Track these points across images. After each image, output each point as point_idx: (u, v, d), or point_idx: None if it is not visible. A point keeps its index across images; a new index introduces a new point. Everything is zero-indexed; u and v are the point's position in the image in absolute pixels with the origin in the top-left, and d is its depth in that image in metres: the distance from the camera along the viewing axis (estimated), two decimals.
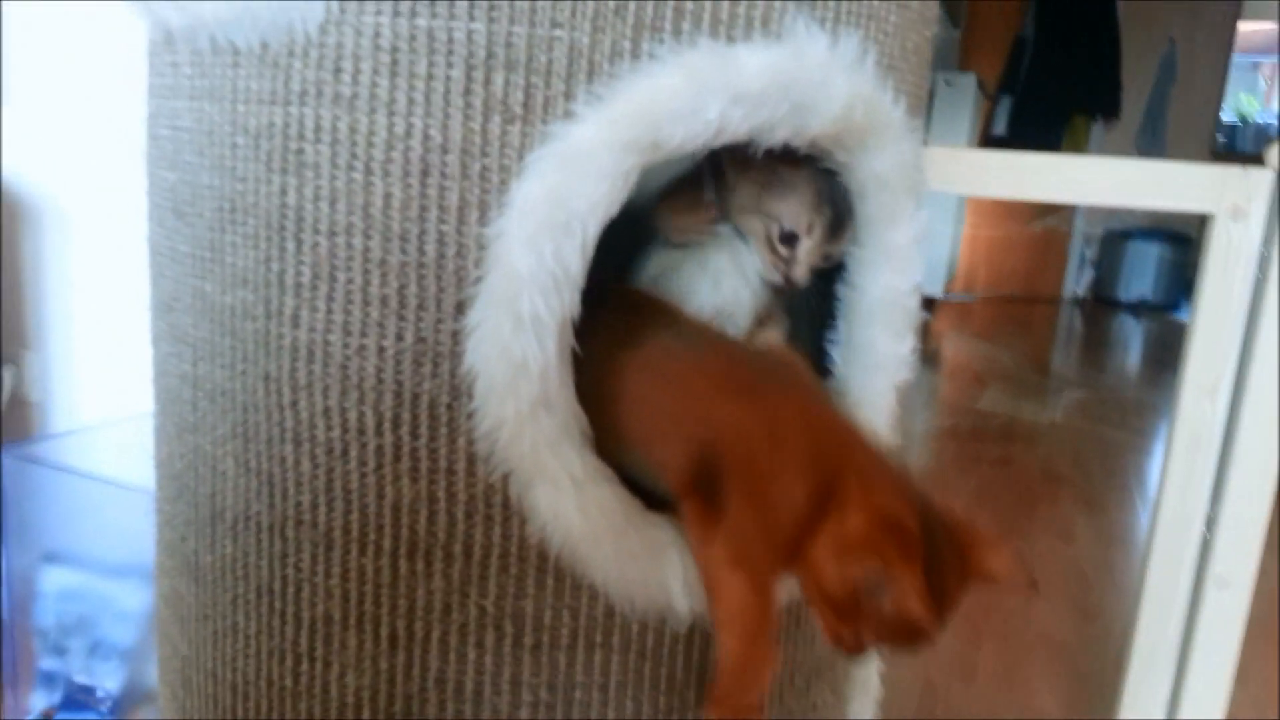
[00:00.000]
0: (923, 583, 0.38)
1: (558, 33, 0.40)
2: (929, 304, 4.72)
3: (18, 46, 1.28)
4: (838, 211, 0.50)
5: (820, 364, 0.54)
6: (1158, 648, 1.19)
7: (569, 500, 0.43)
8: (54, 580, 1.08)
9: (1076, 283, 5.45)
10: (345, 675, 0.45)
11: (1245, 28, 5.47)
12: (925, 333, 4.40)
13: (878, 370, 0.52)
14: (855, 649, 0.40)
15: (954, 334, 4.47)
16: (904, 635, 0.39)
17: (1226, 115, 5.50)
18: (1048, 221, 4.88)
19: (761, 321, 0.53)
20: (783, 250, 0.50)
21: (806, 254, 0.50)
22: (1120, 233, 5.19)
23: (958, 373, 3.86)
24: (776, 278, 0.51)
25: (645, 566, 0.45)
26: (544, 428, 0.42)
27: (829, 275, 0.53)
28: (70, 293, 1.33)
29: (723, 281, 0.51)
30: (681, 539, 0.45)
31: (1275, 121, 5.67)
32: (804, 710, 0.53)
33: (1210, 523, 1.13)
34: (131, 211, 1.35)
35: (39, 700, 1.10)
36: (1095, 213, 5.11)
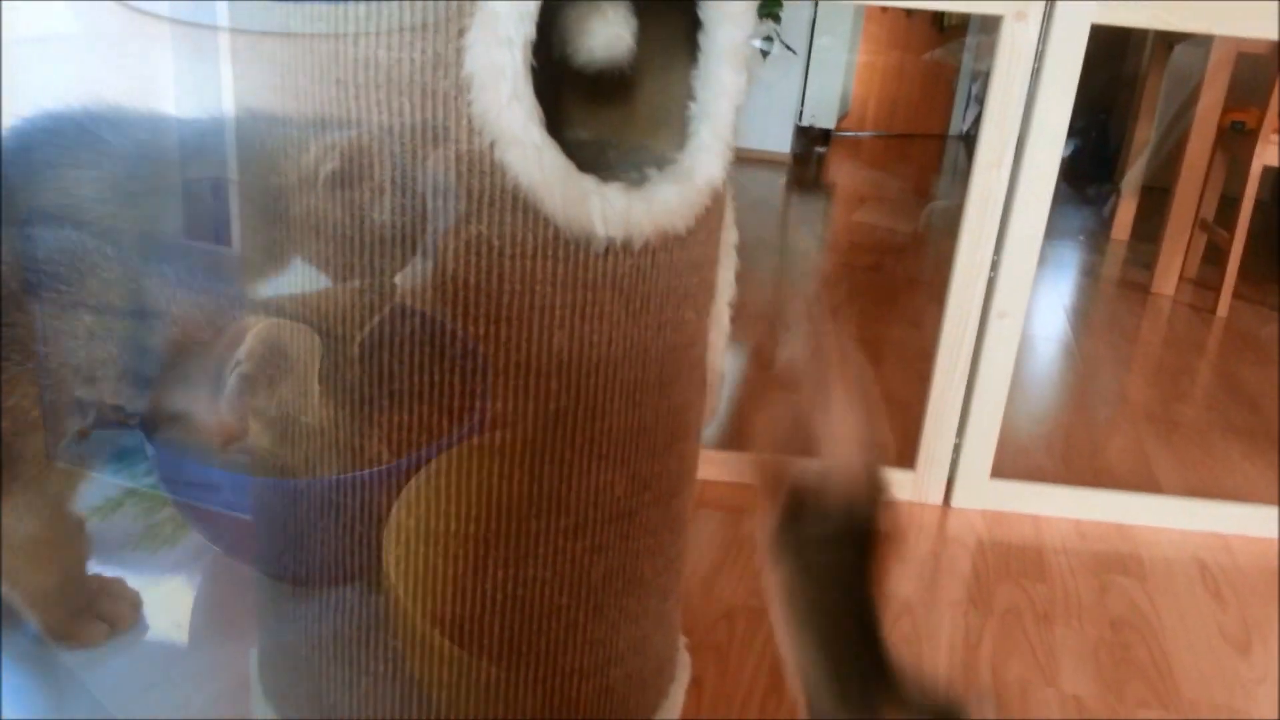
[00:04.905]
0: None
1: None
2: (825, 136, 4.99)
3: None
4: None
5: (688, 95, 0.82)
6: (955, 365, 1.59)
7: (532, 159, 0.71)
8: None
9: (963, 120, 5.77)
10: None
11: None
12: (820, 163, 4.70)
13: (723, 95, 0.81)
14: None
15: (847, 165, 4.78)
16: None
17: None
18: (936, 54, 5.12)
19: None
20: None
21: None
22: None
23: (846, 198, 4.21)
24: None
25: (577, 204, 0.73)
26: (515, 112, 0.69)
27: (695, 29, 0.81)
28: None
29: None
30: (599, 190, 0.74)
31: None
32: None
33: (994, 267, 1.50)
34: None
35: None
36: (985, 48, 5.35)
